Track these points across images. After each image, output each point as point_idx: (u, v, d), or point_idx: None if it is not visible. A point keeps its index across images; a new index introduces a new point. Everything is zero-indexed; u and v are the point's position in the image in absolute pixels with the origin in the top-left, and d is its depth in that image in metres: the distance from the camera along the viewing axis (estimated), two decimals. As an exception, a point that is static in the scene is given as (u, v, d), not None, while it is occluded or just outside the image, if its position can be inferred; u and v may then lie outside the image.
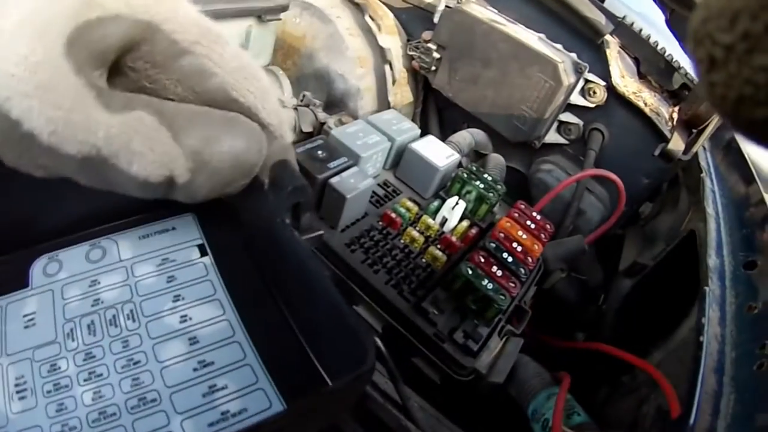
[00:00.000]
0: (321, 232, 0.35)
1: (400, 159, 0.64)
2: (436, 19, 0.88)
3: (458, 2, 0.86)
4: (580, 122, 0.81)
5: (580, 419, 0.48)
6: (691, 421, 0.40)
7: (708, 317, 0.47)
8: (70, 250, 0.41)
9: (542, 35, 0.81)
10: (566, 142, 0.84)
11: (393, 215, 0.56)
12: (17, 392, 0.35)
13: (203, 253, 0.40)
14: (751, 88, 0.17)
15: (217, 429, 0.32)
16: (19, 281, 0.39)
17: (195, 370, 0.35)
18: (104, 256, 0.40)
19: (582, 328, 0.75)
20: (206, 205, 0.38)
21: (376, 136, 0.61)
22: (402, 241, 0.56)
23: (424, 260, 0.55)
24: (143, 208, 0.42)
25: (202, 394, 0.34)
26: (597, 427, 0.48)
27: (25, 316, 0.38)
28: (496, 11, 0.86)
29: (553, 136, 0.84)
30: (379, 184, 0.62)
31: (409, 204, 0.59)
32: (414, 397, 0.46)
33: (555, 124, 0.83)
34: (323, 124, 0.74)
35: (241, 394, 0.34)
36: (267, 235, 0.38)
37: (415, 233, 0.56)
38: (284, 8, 0.80)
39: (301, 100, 0.76)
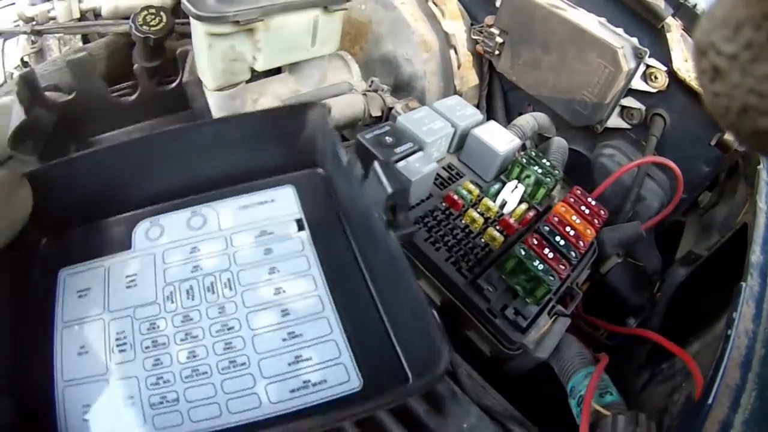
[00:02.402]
0: (414, 229, 0.37)
1: (463, 143, 0.70)
2: (497, 3, 0.92)
3: None
4: (642, 107, 0.84)
5: (611, 399, 0.52)
6: (705, 409, 0.42)
7: (740, 312, 0.48)
8: (172, 215, 0.45)
9: (603, 19, 0.83)
10: (629, 126, 0.86)
11: (455, 197, 0.62)
12: (118, 346, 0.40)
13: (300, 228, 0.43)
14: (755, 98, 0.18)
15: (297, 396, 0.37)
16: (123, 243, 0.44)
17: (284, 340, 0.39)
18: (205, 224, 0.45)
19: (633, 314, 0.77)
20: (306, 180, 0.43)
21: (440, 122, 0.67)
22: (463, 221, 0.61)
23: (482, 240, 0.60)
24: (245, 177, 0.46)
25: (288, 363, 0.38)
26: (626, 408, 0.51)
27: (127, 276, 0.43)
28: None
29: (615, 121, 0.86)
30: (443, 167, 0.68)
31: (471, 186, 0.65)
32: (463, 366, 0.51)
33: (617, 109, 0.85)
34: (391, 108, 0.80)
35: (323, 366, 0.38)
36: (364, 225, 0.40)
37: (475, 214, 0.61)
38: None
39: (370, 86, 0.83)
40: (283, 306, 0.40)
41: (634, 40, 0.80)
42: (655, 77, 0.81)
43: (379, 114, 0.81)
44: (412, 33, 0.89)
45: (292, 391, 0.37)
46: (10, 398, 0.36)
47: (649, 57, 0.80)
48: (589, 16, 0.84)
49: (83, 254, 0.44)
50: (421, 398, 0.47)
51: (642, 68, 0.81)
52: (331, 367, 0.38)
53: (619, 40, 0.80)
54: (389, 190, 0.34)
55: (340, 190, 0.43)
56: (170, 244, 0.44)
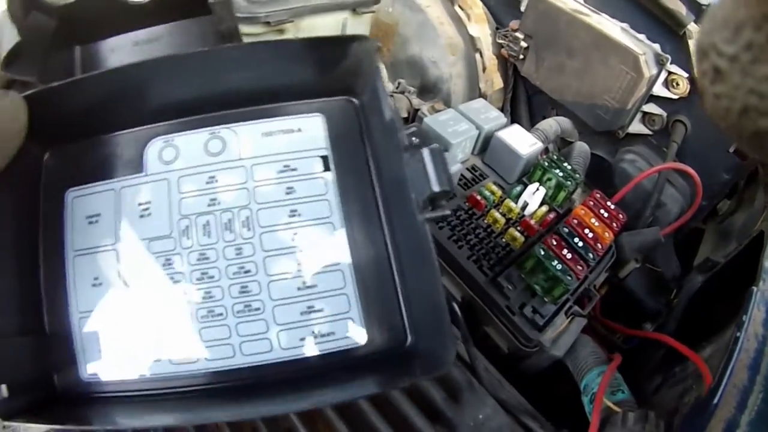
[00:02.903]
0: (448, 212, 0.35)
1: (487, 145, 0.72)
2: (522, 8, 0.94)
3: None
4: (664, 113, 0.85)
5: (623, 396, 0.54)
6: (711, 408, 0.43)
7: (750, 316, 0.49)
8: (188, 135, 0.41)
9: (626, 25, 0.84)
10: (650, 132, 0.88)
11: (478, 197, 0.65)
12: (133, 279, 0.39)
13: (326, 168, 0.40)
14: (756, 98, 0.18)
15: (306, 344, 0.38)
16: (134, 164, 0.41)
17: (299, 289, 0.38)
18: (224, 150, 0.41)
19: (650, 319, 0.78)
20: (337, 111, 0.40)
21: (465, 124, 0.69)
22: (485, 221, 0.64)
23: (503, 240, 0.63)
24: (270, 97, 0.42)
25: (300, 312, 0.38)
26: (636, 405, 0.53)
27: (140, 204, 0.40)
28: (581, 1, 0.90)
29: (637, 127, 0.88)
30: (467, 168, 0.70)
31: (494, 188, 0.67)
32: (481, 359, 0.54)
33: (639, 115, 0.86)
34: (417, 110, 0.83)
35: (333, 318, 0.38)
36: (393, 185, 0.38)
37: (497, 215, 0.64)
38: (377, 1, 0.87)
39: (397, 87, 0.86)
40: (301, 254, 0.39)
41: (656, 47, 0.82)
42: (677, 84, 0.82)
43: (405, 115, 0.83)
44: (439, 36, 0.92)
45: (302, 339, 0.38)
46: (26, 330, 0.37)
47: (671, 63, 0.81)
48: (612, 22, 0.85)
49: (91, 174, 0.41)
50: (439, 385, 0.50)
51: (664, 75, 0.82)
52: (340, 321, 0.38)
53: (641, 47, 0.81)
54: (436, 189, 0.33)
55: (374, 137, 0.40)
56: (186, 170, 0.40)
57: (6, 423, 0.42)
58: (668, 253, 0.85)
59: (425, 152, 0.33)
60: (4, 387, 0.33)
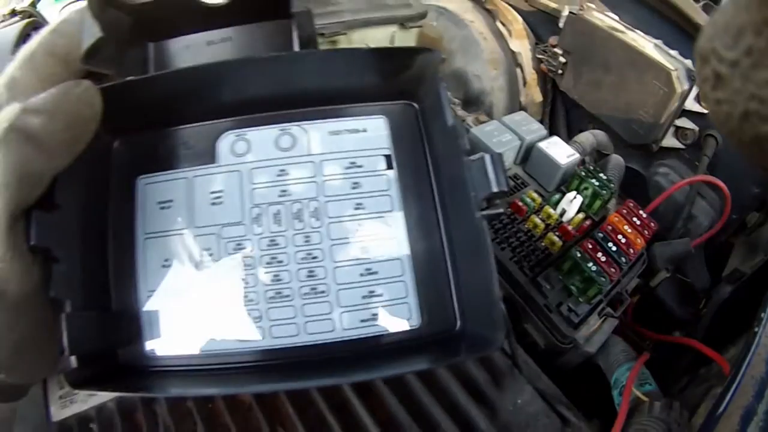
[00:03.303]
0: (501, 210, 0.37)
1: (528, 155, 0.77)
2: (561, 24, 0.98)
3: (581, 8, 0.95)
4: (696, 128, 0.87)
5: (650, 388, 0.58)
6: (729, 395, 0.46)
7: None
8: (259, 131, 0.42)
9: (659, 41, 0.87)
10: (682, 146, 0.90)
11: (520, 203, 0.69)
12: (203, 262, 0.40)
13: (389, 166, 0.42)
14: (756, 103, 0.18)
15: (365, 325, 0.40)
16: (206, 155, 0.42)
17: (361, 275, 0.40)
18: (294, 146, 0.42)
19: (679, 328, 0.81)
20: (399, 114, 0.43)
21: (508, 135, 0.74)
22: (526, 225, 0.69)
23: (543, 244, 0.67)
24: (336, 98, 0.43)
25: (362, 296, 0.40)
26: (662, 397, 0.56)
27: (212, 193, 0.41)
28: (617, 18, 0.93)
29: (670, 140, 0.90)
30: (509, 177, 0.75)
31: (534, 195, 0.72)
32: (521, 352, 0.58)
33: (672, 129, 0.89)
34: (463, 120, 0.87)
35: (390, 303, 0.40)
36: (451, 185, 0.41)
37: (537, 220, 0.68)
38: (423, 16, 0.92)
39: (443, 99, 0.90)
40: (364, 243, 0.40)
41: (688, 63, 0.84)
42: (708, 99, 0.84)
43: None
44: (482, 51, 0.97)
45: (362, 321, 0.40)
46: (94, 306, 0.38)
47: (703, 79, 0.84)
48: (646, 39, 0.88)
49: (162, 163, 0.42)
50: (483, 368, 0.54)
51: (695, 90, 0.84)
52: (397, 305, 0.40)
53: (674, 63, 0.84)
54: (495, 189, 0.36)
55: (434, 140, 0.42)
56: (257, 162, 0.41)
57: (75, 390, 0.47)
58: (698, 264, 0.87)
59: (486, 157, 0.36)
60: (73, 358, 0.34)
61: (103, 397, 0.49)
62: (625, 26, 0.92)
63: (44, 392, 0.49)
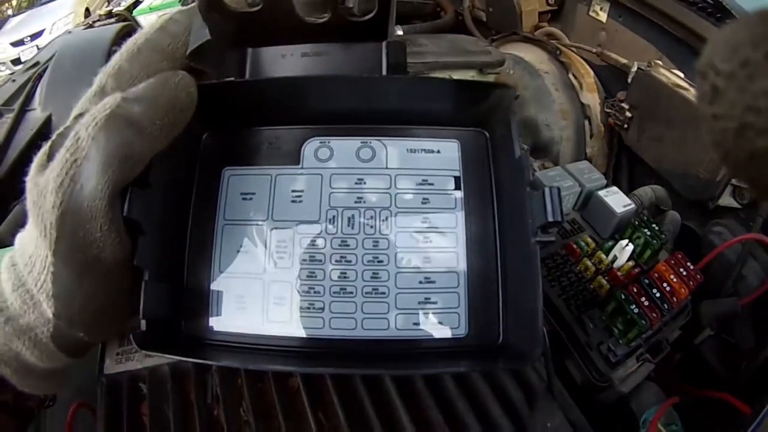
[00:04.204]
0: (553, 239, 0.40)
1: (587, 202, 0.82)
2: (629, 80, 1.02)
3: (648, 65, 0.99)
4: None
5: (676, 429, 0.61)
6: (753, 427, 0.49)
7: None
8: (342, 140, 0.46)
9: None
10: (739, 205, 0.91)
11: (574, 246, 0.75)
12: (277, 252, 0.43)
13: (457, 187, 0.45)
14: (752, 115, 0.18)
15: (417, 328, 0.43)
16: (291, 157, 0.45)
17: (420, 282, 0.43)
18: (372, 158, 0.46)
19: (719, 384, 0.80)
20: (470, 140, 0.47)
21: (569, 181, 0.80)
22: (578, 267, 0.74)
23: (591, 286, 0.72)
24: (414, 120, 0.47)
25: (418, 302, 0.43)
26: None
27: (293, 191, 0.45)
28: (682, 75, 0.97)
29: (727, 200, 0.92)
30: (567, 221, 0.80)
31: (589, 240, 0.77)
32: (557, 382, 0.59)
33: (729, 189, 0.91)
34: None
35: (443, 311, 0.43)
36: (512, 212, 0.43)
37: (589, 263, 0.73)
38: (501, 63, 0.99)
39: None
40: (427, 254, 0.44)
41: None
42: (765, 158, 0.87)
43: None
44: (553, 101, 1.03)
45: (414, 323, 0.43)
46: (168, 279, 0.42)
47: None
48: None
49: (248, 158, 0.46)
50: (520, 387, 0.55)
51: None
52: (448, 314, 0.43)
53: None
54: (551, 218, 0.38)
55: (500, 167, 0.46)
56: (338, 169, 0.45)
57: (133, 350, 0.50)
58: (745, 324, 0.87)
59: (546, 190, 0.39)
60: (144, 321, 0.37)
61: (159, 360, 0.50)
62: (689, 84, 0.95)
63: (102, 346, 0.50)
